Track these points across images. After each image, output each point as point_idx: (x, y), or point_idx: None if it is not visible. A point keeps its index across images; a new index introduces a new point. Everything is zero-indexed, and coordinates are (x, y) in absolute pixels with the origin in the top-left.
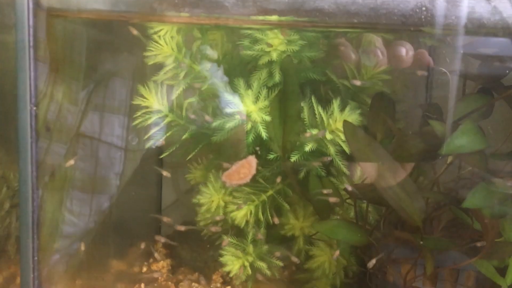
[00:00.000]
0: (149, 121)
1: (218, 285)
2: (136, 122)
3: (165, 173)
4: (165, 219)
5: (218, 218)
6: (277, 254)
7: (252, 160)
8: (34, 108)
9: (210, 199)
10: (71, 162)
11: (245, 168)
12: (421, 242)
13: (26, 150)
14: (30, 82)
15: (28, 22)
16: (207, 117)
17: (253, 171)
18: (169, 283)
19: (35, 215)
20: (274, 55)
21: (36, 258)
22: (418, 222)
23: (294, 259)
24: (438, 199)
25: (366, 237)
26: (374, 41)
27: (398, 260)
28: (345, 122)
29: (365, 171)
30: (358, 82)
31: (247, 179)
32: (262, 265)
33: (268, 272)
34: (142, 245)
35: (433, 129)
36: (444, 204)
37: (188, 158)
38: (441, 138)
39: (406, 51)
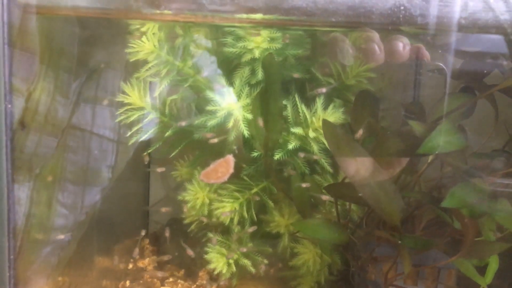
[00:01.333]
0: (132, 118)
1: (204, 282)
2: (120, 118)
3: (159, 169)
4: (164, 209)
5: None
6: (250, 246)
7: (230, 159)
8: (9, 106)
9: (195, 196)
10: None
11: (223, 167)
12: (400, 242)
13: (1, 149)
14: (5, 80)
15: (3, 19)
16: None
17: (231, 170)
18: (155, 280)
19: (11, 213)
20: (257, 53)
21: (12, 256)
22: (396, 222)
23: None
24: (419, 198)
25: (346, 236)
26: (372, 36)
27: (379, 259)
28: (324, 121)
29: (344, 170)
30: (323, 90)
31: (225, 178)
32: (246, 262)
33: (252, 270)
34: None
35: (412, 129)
36: (424, 203)
37: (172, 155)
38: (420, 138)
39: (403, 45)
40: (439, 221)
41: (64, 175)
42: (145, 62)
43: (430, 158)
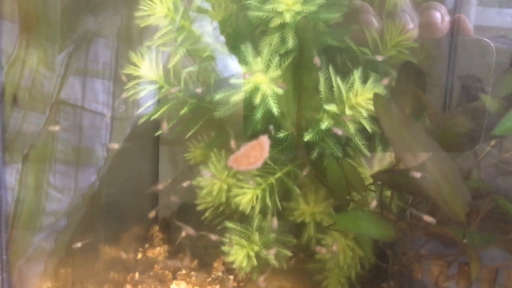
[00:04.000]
0: (142, 94)
1: (220, 273)
2: (129, 94)
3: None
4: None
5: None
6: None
7: (265, 141)
8: None
9: (211, 181)
10: None
11: (256, 151)
12: (465, 240)
13: None
14: None
15: None
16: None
17: (266, 154)
18: (166, 272)
19: (3, 209)
20: (288, 17)
21: (5, 257)
22: (461, 216)
23: None
24: (481, 187)
25: (394, 231)
26: (402, 4)
27: (427, 256)
28: (376, 96)
29: (401, 155)
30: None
31: (258, 163)
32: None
33: (275, 263)
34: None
35: (482, 105)
36: (486, 194)
37: (187, 136)
38: (493, 116)
39: (441, 16)
40: (496, 214)
41: (55, 155)
42: (140, 28)
43: (493, 140)
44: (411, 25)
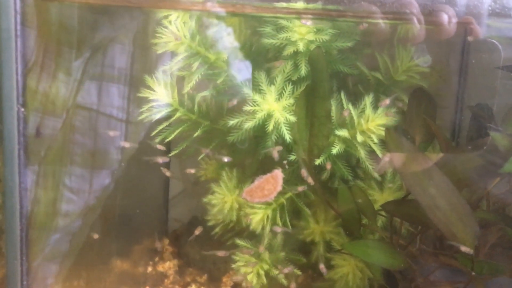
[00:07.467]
0: (157, 116)
1: None
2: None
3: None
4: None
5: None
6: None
7: (278, 175)
8: (22, 109)
9: (222, 199)
10: None
11: (270, 184)
12: (473, 273)
13: (13, 160)
14: (17, 78)
15: (15, 7)
16: None
17: (279, 187)
18: (176, 286)
19: (24, 203)
20: (301, 45)
21: (25, 266)
22: (470, 249)
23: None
24: (489, 218)
25: (404, 261)
26: (409, 6)
27: (437, 283)
28: (388, 131)
29: (409, 187)
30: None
31: (272, 196)
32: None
33: (284, 282)
34: None
35: (492, 142)
36: (495, 223)
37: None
38: (503, 152)
39: (448, 18)
40: (504, 242)
41: (71, 158)
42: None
43: None
44: (417, 27)
